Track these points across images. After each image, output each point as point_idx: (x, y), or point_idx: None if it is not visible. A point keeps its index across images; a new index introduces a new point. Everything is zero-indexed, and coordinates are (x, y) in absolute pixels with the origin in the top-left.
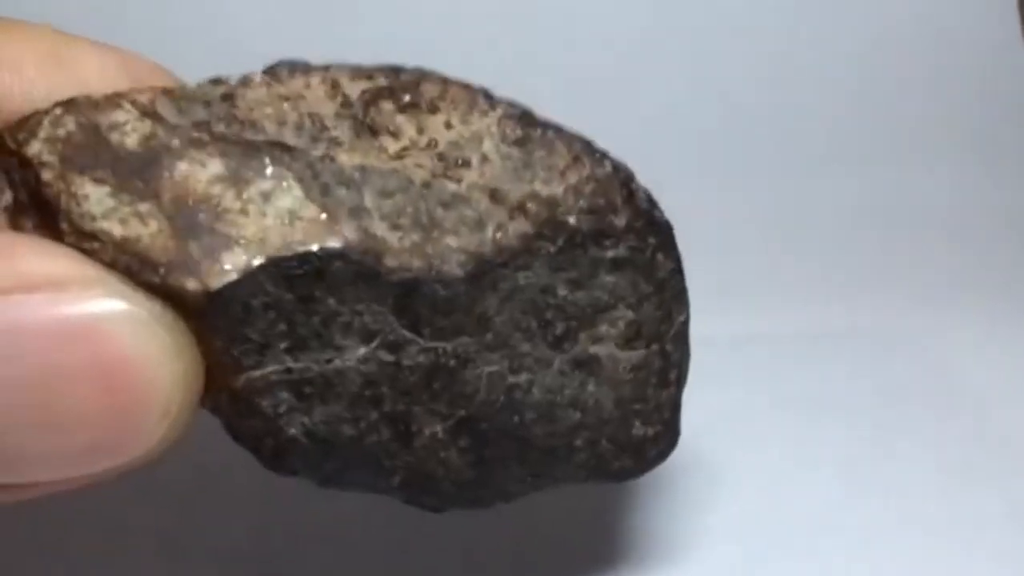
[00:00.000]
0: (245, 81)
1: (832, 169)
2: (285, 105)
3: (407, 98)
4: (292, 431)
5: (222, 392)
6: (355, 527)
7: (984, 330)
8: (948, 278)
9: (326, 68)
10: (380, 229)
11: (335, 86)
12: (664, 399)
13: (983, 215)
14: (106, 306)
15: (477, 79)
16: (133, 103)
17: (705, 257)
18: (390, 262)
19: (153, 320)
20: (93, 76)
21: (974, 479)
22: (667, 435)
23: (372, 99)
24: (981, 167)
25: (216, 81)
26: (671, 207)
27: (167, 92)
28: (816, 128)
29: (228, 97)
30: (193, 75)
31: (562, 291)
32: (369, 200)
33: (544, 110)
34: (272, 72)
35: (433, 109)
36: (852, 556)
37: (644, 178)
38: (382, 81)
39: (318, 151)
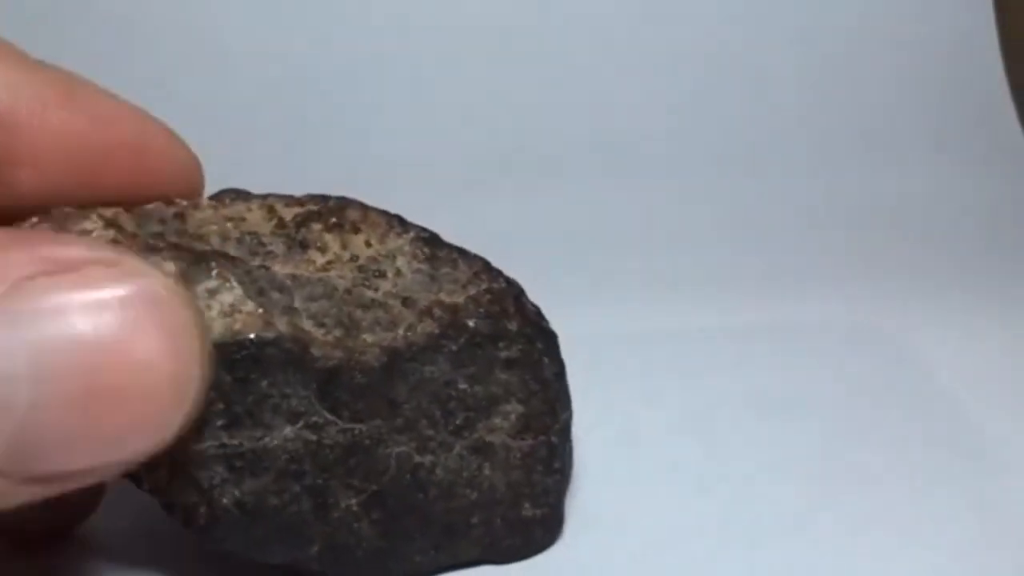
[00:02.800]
0: (195, 204)
1: (805, 166)
2: (228, 224)
3: (333, 220)
4: (224, 501)
5: (162, 467)
6: None
7: (954, 326)
8: (919, 274)
9: (264, 196)
10: (308, 325)
11: (271, 210)
12: (551, 485)
13: (955, 212)
14: (130, 286)
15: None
16: (100, 215)
17: (677, 251)
18: (316, 352)
19: (173, 296)
20: (101, 118)
21: (944, 475)
22: (553, 519)
23: (303, 221)
24: (953, 165)
25: (169, 202)
26: (646, 202)
27: (128, 209)
28: (791, 126)
29: (179, 216)
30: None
31: (462, 384)
32: (299, 302)
33: (537, 111)
34: (218, 197)
35: (355, 230)
36: (821, 552)
37: (618, 173)
38: (312, 207)
39: (256, 261)
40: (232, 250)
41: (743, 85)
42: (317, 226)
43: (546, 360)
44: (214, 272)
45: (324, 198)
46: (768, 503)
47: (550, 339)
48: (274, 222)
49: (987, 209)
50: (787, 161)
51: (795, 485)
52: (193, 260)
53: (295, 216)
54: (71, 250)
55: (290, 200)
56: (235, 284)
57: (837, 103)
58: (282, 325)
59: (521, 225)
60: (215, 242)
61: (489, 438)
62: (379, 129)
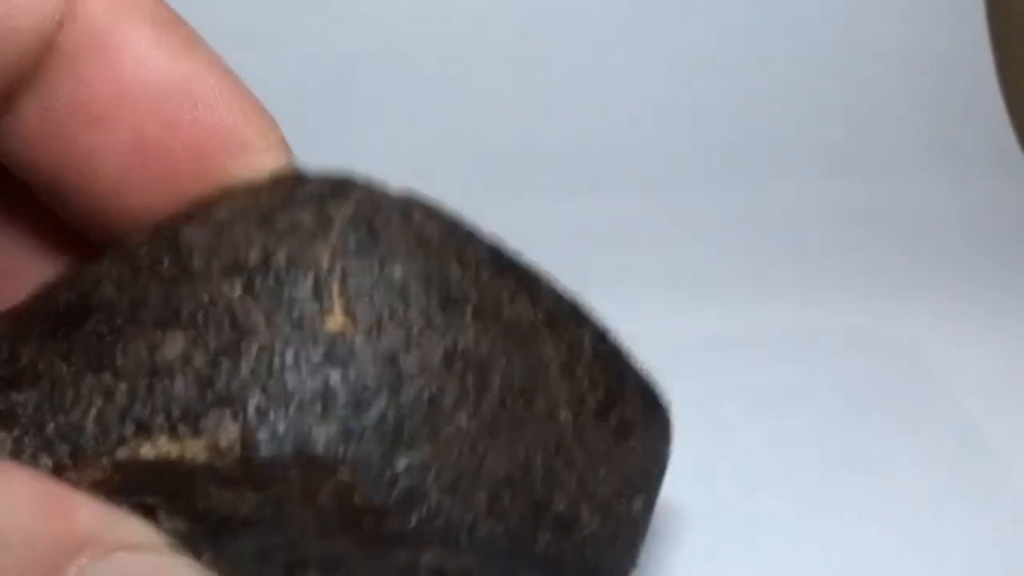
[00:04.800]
0: None
1: (812, 173)
2: None
3: None
4: None
5: None
6: None
7: (957, 330)
8: (924, 279)
9: None
10: None
11: None
12: None
13: (960, 218)
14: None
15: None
16: None
17: (686, 257)
18: None
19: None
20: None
21: (952, 478)
22: None
23: None
24: (959, 172)
25: None
26: (656, 208)
27: None
28: (797, 134)
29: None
30: None
31: None
32: None
33: (546, 116)
34: None
35: None
36: (829, 555)
37: (630, 179)
38: None
39: None
40: None
41: (740, 92)
42: None
43: None
44: None
45: None
46: (770, 499)
47: None
48: None
49: (994, 217)
50: (796, 171)
51: (796, 487)
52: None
53: None
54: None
55: None
56: None
57: (844, 116)
58: None
59: (519, 232)
60: None
61: None
62: (378, 134)
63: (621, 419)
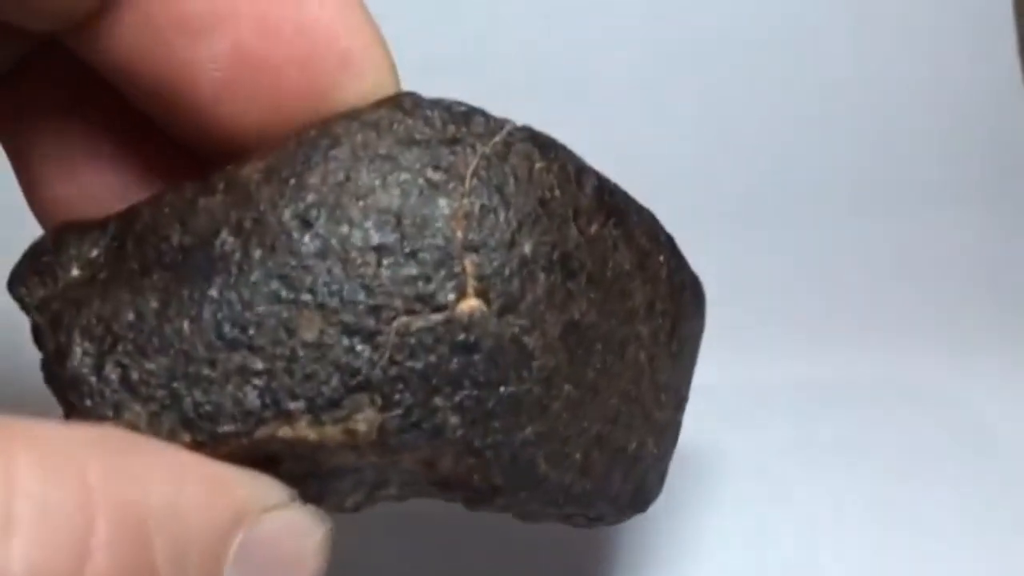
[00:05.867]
0: None
1: (863, 219)
2: None
3: None
4: None
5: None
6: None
7: (1013, 377)
8: (977, 328)
9: None
10: None
11: None
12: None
13: (1014, 266)
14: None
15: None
16: None
17: (738, 304)
18: None
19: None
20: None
21: (1004, 525)
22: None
23: None
24: (1012, 219)
25: None
26: (708, 256)
27: None
28: (849, 178)
29: None
30: None
31: None
32: None
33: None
34: None
35: None
36: None
37: (679, 228)
38: None
39: None
40: None
41: (803, 139)
42: None
43: None
44: None
45: None
46: (829, 554)
47: None
48: None
49: None
50: (847, 217)
51: (856, 537)
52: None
53: None
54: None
55: None
56: None
57: (895, 159)
58: None
59: None
60: None
61: None
62: None
63: (681, 340)
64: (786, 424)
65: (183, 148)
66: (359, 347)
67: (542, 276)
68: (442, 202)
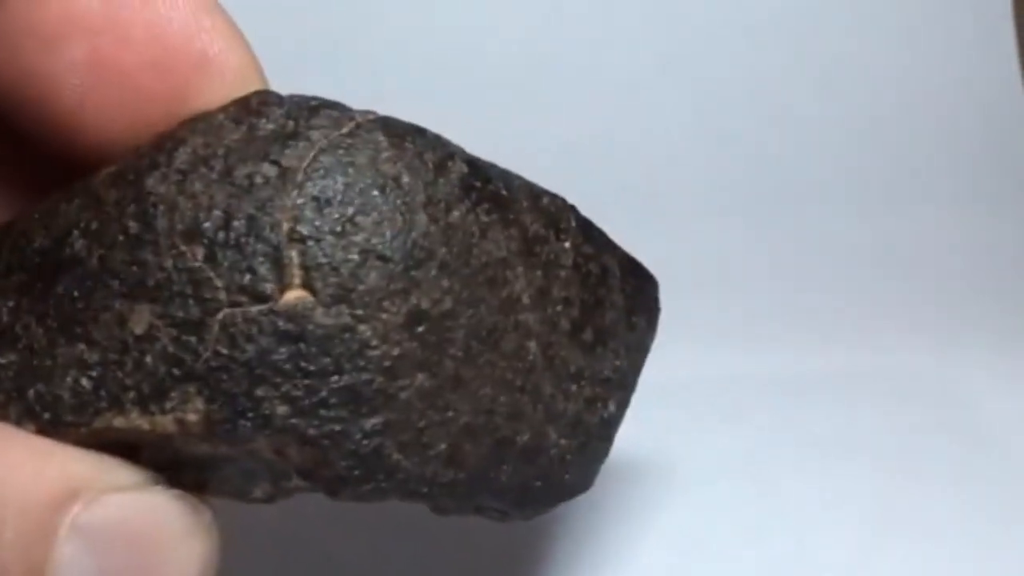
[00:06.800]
0: None
1: (855, 215)
2: None
3: None
4: None
5: None
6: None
7: (1004, 368)
8: (968, 317)
9: None
10: None
11: None
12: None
13: (1002, 255)
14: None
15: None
16: None
17: (727, 298)
18: None
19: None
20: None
21: (998, 518)
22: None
23: None
24: (1000, 208)
25: None
26: (697, 250)
27: None
28: (839, 172)
29: None
30: None
31: None
32: None
33: (555, 156)
34: None
35: None
36: None
37: (665, 222)
38: None
39: None
40: None
41: (788, 134)
42: None
43: None
44: None
45: None
46: (823, 550)
47: None
48: None
49: None
50: (838, 209)
51: (849, 532)
52: None
53: None
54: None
55: None
56: None
57: (882, 152)
58: None
59: None
60: None
61: None
62: None
63: (598, 328)
64: (775, 419)
65: (58, 160)
66: (185, 338)
67: (377, 265)
68: (273, 196)
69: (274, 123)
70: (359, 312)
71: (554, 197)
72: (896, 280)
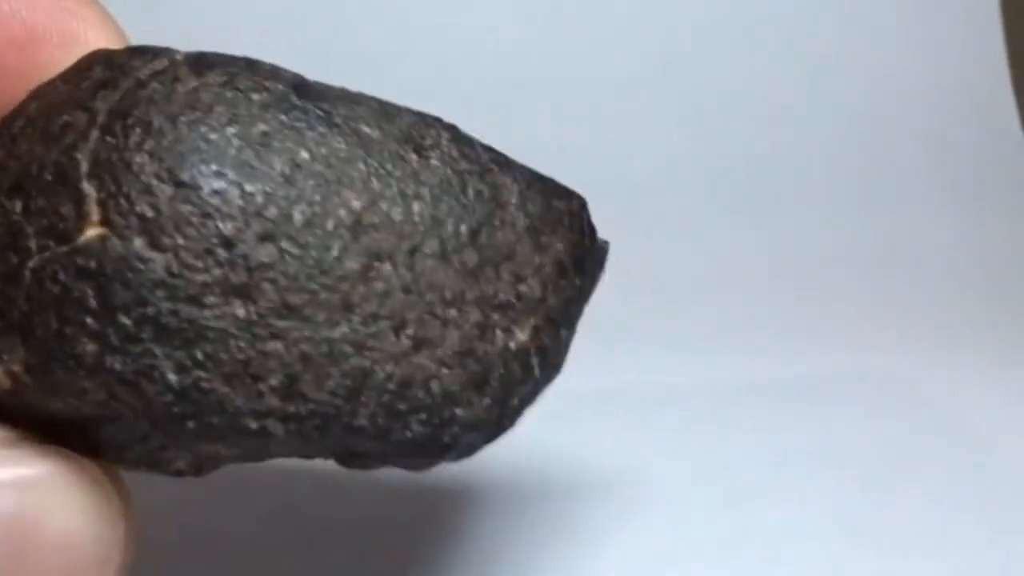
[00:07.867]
0: None
1: (836, 215)
2: None
3: None
4: None
5: None
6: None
7: (988, 374)
8: (952, 323)
9: None
10: None
11: None
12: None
13: (987, 260)
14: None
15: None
16: None
17: (705, 302)
18: None
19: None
20: None
21: (979, 526)
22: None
23: None
24: (985, 212)
25: None
26: (679, 253)
27: None
28: (822, 174)
29: None
30: None
31: None
32: None
33: (551, 156)
34: None
35: None
36: None
37: (645, 225)
38: None
39: None
40: None
41: (780, 137)
42: None
43: None
44: None
45: None
46: (794, 562)
47: None
48: None
49: (1017, 258)
50: (820, 212)
51: (821, 542)
52: None
53: None
54: None
55: None
56: None
57: (868, 155)
58: None
59: None
60: None
61: None
62: None
63: (483, 248)
64: (755, 427)
65: None
66: (6, 291)
67: (174, 191)
68: (77, 140)
69: (88, 80)
70: (159, 241)
71: (421, 117)
72: (883, 285)
